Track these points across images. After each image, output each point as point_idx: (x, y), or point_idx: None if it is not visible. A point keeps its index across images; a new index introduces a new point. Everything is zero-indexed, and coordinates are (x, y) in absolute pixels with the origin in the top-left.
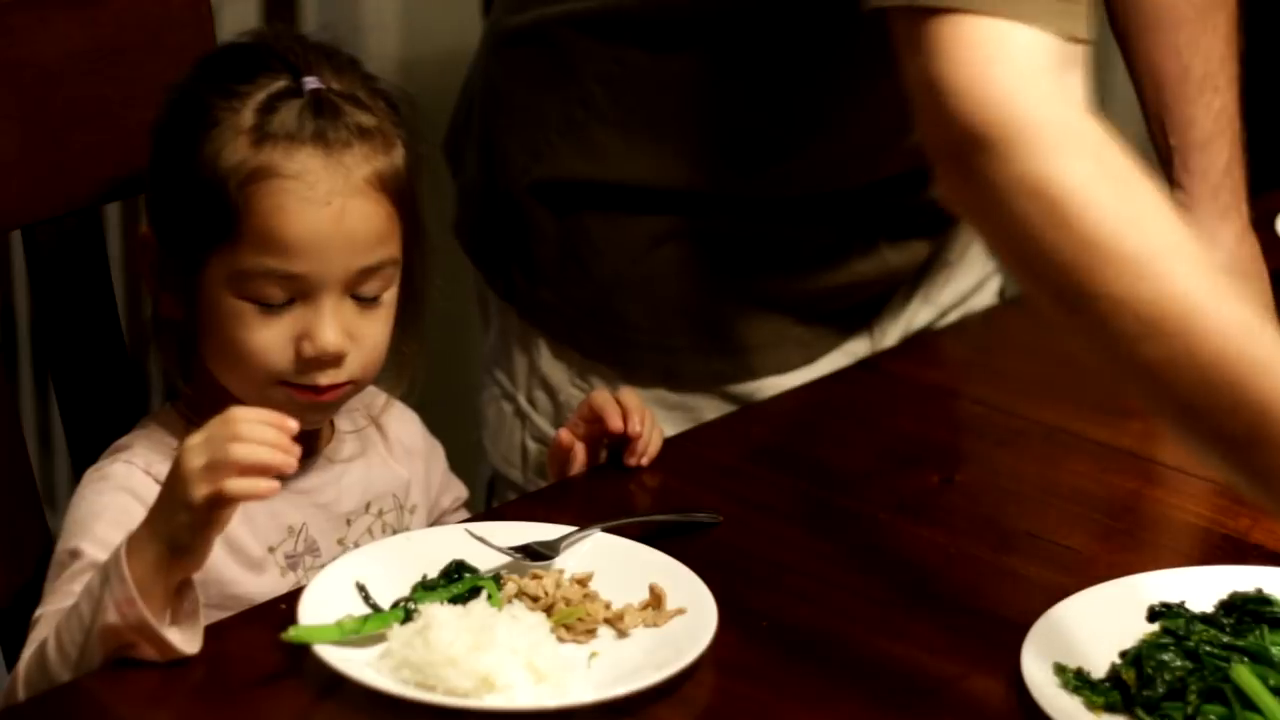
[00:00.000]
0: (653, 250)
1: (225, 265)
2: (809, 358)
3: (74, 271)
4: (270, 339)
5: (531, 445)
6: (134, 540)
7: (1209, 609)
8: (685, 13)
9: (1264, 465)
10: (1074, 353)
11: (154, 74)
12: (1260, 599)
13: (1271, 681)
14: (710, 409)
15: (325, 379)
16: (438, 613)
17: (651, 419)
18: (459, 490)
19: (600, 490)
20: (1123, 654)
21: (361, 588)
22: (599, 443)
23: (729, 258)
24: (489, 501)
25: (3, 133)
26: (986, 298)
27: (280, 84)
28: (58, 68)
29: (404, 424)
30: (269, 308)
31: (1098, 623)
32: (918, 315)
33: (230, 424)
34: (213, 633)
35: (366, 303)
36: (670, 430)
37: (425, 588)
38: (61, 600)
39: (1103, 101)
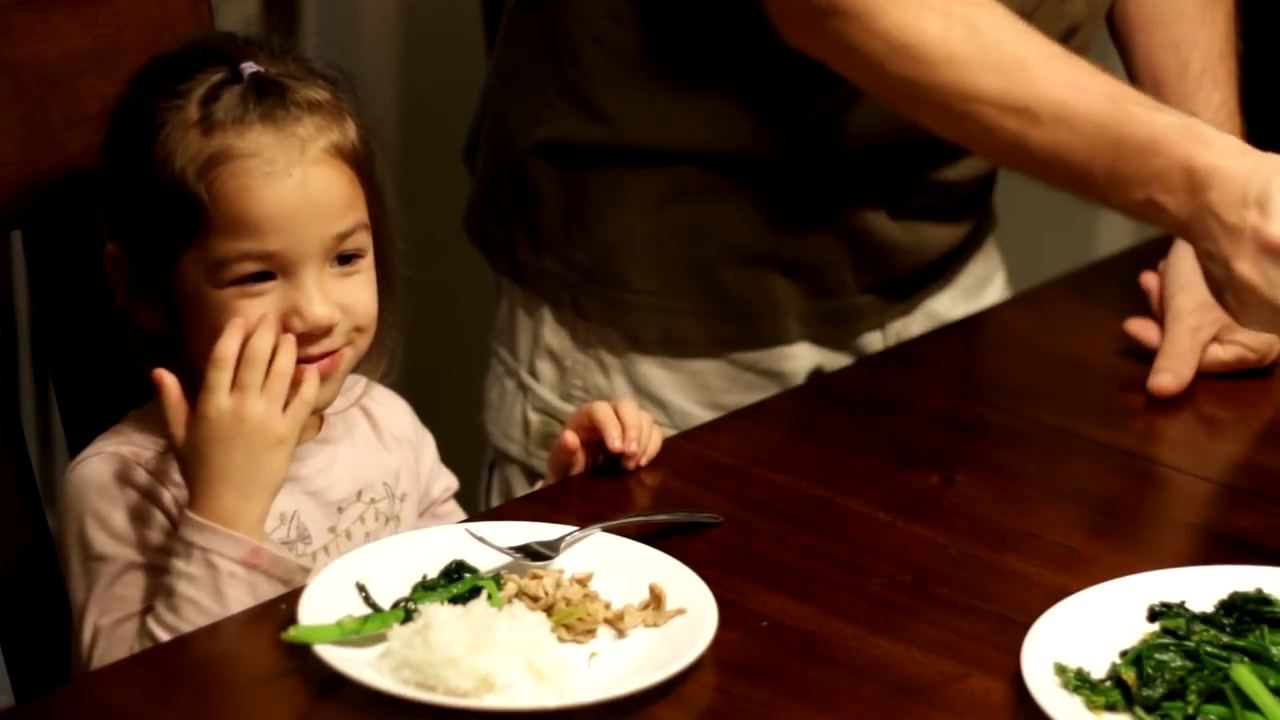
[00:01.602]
0: (655, 211)
1: (200, 260)
2: (814, 337)
3: (74, 271)
4: (257, 317)
5: (533, 416)
6: (212, 507)
7: (1209, 609)
8: None
9: (1139, 200)
10: (1071, 350)
11: None
12: (1260, 599)
13: (1271, 681)
14: (714, 374)
15: (318, 349)
16: (438, 613)
17: (649, 424)
18: (449, 481)
19: (600, 490)
20: (1123, 654)
21: (361, 588)
22: (597, 448)
23: (728, 218)
24: (489, 481)
25: (3, 133)
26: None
27: (218, 76)
28: (58, 68)
29: (393, 412)
30: (249, 285)
31: (1098, 623)
32: (934, 325)
33: (252, 359)
34: (213, 633)
35: (346, 270)
36: (675, 396)
37: (425, 588)
38: (118, 608)
39: None
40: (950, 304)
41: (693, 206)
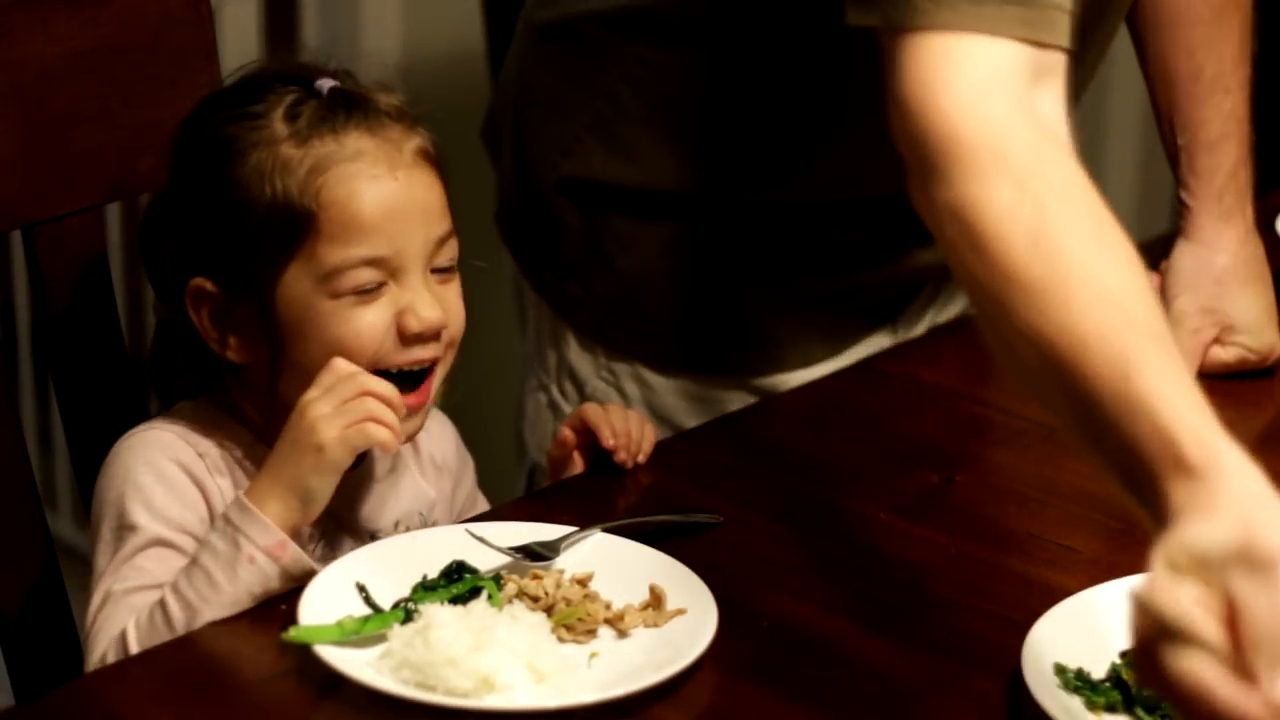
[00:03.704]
0: (678, 249)
1: (307, 271)
2: (832, 351)
3: (74, 271)
4: (373, 321)
5: None
6: (254, 492)
7: None
8: (702, 11)
9: (1137, 495)
10: None
11: (154, 74)
12: None
13: None
14: (734, 402)
15: (428, 353)
16: (438, 613)
17: (638, 424)
18: (483, 508)
19: (600, 490)
20: (1123, 654)
21: (361, 588)
22: (594, 450)
23: (755, 257)
24: (529, 489)
25: (3, 133)
26: None
27: (292, 95)
28: (58, 68)
29: (438, 439)
30: (366, 294)
31: (1098, 623)
32: (945, 310)
33: (354, 379)
34: (213, 633)
35: (443, 277)
36: (695, 423)
37: (425, 588)
38: (134, 577)
39: (1102, 101)
40: (960, 295)
41: (718, 245)
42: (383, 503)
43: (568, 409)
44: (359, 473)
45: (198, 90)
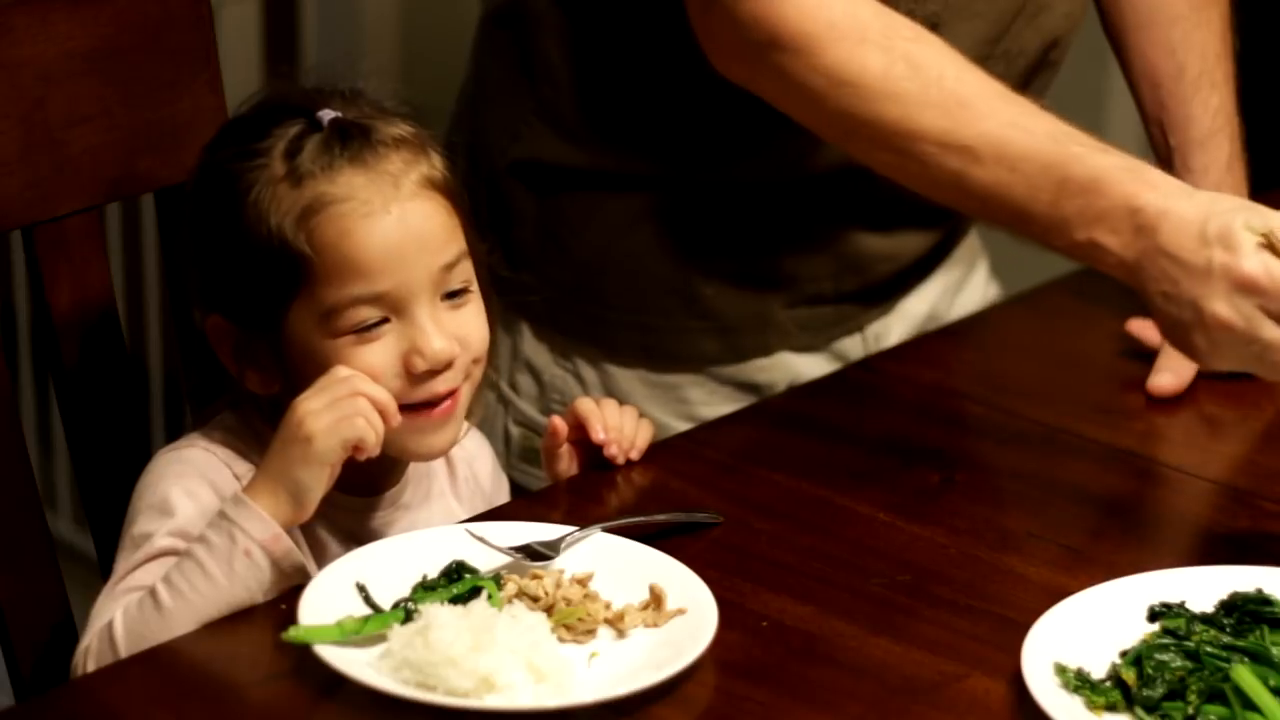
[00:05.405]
0: (631, 229)
1: (309, 311)
2: (793, 345)
3: (74, 271)
4: (377, 361)
5: (514, 430)
6: (248, 490)
7: (1209, 609)
8: None
9: (1080, 241)
10: (1071, 350)
11: (154, 74)
12: (1260, 599)
13: (1272, 682)
14: (693, 388)
15: (444, 385)
16: (438, 613)
17: (632, 421)
18: None
19: (600, 490)
20: (1123, 654)
21: (361, 588)
22: (588, 447)
23: (707, 236)
24: None
25: (3, 133)
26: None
27: (296, 127)
28: (58, 68)
29: (475, 460)
30: (366, 332)
31: (1098, 623)
32: (908, 316)
33: (348, 380)
34: (213, 633)
35: (456, 301)
36: (654, 410)
37: (425, 588)
38: (139, 578)
39: (1101, 101)
40: (932, 301)
41: (670, 226)
42: (412, 524)
43: (521, 403)
44: (391, 494)
45: (198, 90)
